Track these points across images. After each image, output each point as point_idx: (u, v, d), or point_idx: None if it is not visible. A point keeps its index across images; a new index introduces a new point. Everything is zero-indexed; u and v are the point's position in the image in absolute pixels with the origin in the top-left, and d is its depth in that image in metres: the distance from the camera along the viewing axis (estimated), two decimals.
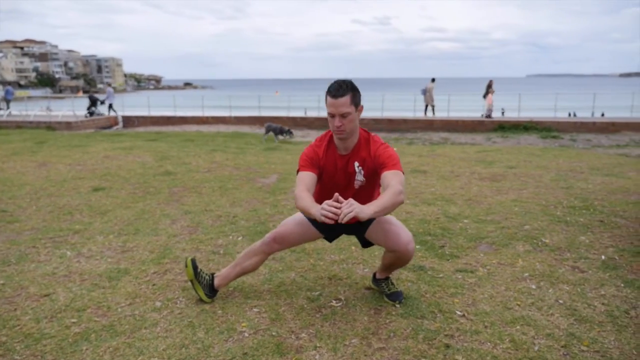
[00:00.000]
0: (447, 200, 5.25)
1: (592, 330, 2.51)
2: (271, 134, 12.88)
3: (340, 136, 2.51)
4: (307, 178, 2.52)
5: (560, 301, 2.83)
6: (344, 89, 2.43)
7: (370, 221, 2.71)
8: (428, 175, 6.81)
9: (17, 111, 20.87)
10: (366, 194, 2.66)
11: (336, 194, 2.27)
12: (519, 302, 2.82)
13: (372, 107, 20.79)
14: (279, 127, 12.97)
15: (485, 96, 17.51)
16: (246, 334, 2.50)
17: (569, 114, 18.77)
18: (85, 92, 76.61)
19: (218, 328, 2.56)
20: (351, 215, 2.14)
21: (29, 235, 4.15)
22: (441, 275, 3.22)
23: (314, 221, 2.72)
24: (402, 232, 2.67)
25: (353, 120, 2.48)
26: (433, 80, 18.47)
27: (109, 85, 22.83)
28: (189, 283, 3.00)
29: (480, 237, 4.01)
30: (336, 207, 2.19)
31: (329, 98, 2.45)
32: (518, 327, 2.54)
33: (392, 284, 2.92)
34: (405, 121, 16.98)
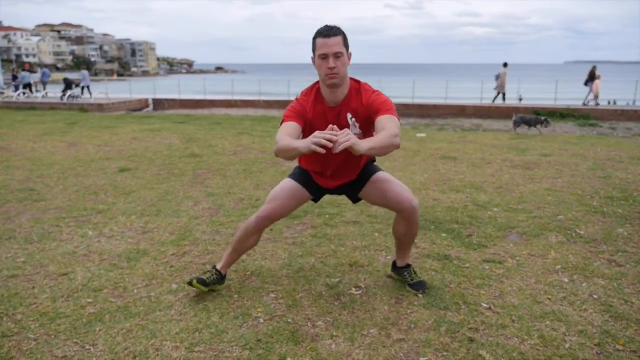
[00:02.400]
0: (476, 188, 5.07)
1: (629, 329, 2.35)
2: (523, 126, 10.79)
3: (333, 80, 2.32)
4: (290, 127, 2.33)
5: (595, 296, 2.67)
6: (335, 29, 2.31)
7: (364, 181, 2.61)
8: (458, 161, 6.61)
9: (53, 93, 21.33)
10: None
11: (330, 125, 2.12)
12: (549, 296, 2.67)
13: (403, 94, 20.43)
14: (534, 118, 10.68)
15: (587, 83, 16.65)
16: (261, 320, 2.43)
17: (609, 102, 17.99)
18: (119, 75, 78.23)
19: (233, 313, 2.50)
20: (347, 144, 1.99)
21: (53, 214, 4.18)
22: (467, 265, 3.08)
23: (303, 182, 2.63)
24: (403, 189, 2.56)
25: (345, 63, 2.33)
26: (505, 65, 17.34)
27: (84, 68, 23.51)
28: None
29: (510, 226, 3.83)
30: (331, 135, 2.02)
31: (320, 39, 2.30)
32: (548, 322, 2.40)
33: (415, 272, 2.81)
34: (435, 107, 16.59)
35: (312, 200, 2.75)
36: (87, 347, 2.20)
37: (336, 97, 2.41)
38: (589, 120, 13.57)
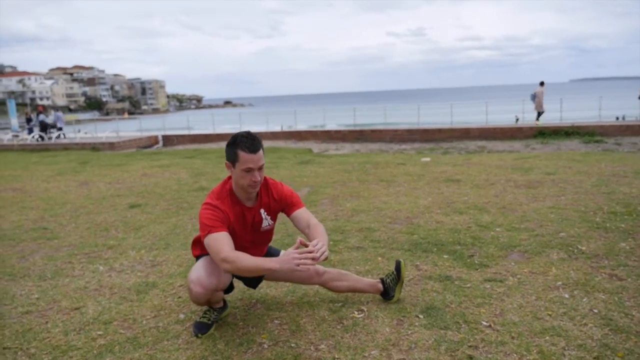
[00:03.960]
0: (479, 209, 5.12)
1: (629, 341, 2.38)
2: None
3: (255, 190, 2.46)
4: (226, 238, 2.33)
5: (595, 310, 2.71)
6: (258, 142, 2.37)
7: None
8: (461, 184, 6.67)
9: (66, 133, 21.98)
10: (269, 231, 2.70)
11: (300, 239, 2.32)
12: (550, 312, 2.71)
13: (408, 120, 20.66)
14: None
15: None
16: (265, 346, 2.50)
17: (617, 118, 17.94)
18: (130, 113, 79.94)
19: (238, 340, 2.57)
20: (326, 254, 2.25)
21: (66, 251, 4.31)
22: (468, 285, 3.13)
23: None
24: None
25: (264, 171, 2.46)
26: (542, 83, 17.07)
27: (57, 110, 24.59)
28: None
29: (512, 245, 3.88)
30: (309, 252, 2.22)
31: (245, 154, 2.33)
32: (548, 337, 2.44)
33: (388, 275, 2.96)
34: (440, 131, 16.72)
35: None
36: None
37: (252, 196, 2.53)
38: (594, 137, 13.59)
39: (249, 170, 2.36)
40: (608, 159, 8.63)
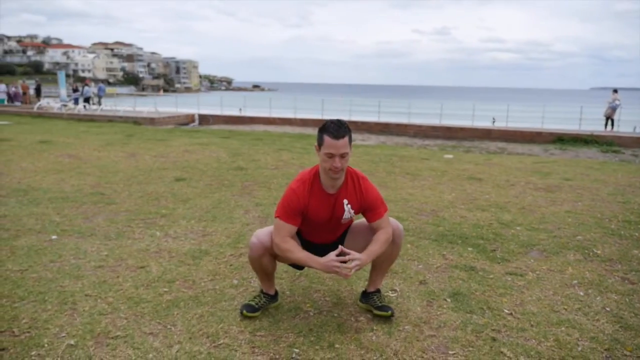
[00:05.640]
0: (500, 208, 5.38)
1: (637, 338, 2.62)
2: None
3: (336, 176, 2.54)
4: (288, 229, 2.58)
5: (607, 309, 2.94)
6: (344, 130, 2.47)
7: (344, 236, 2.85)
8: (483, 182, 6.91)
9: (108, 106, 23.03)
10: (349, 222, 2.77)
11: (341, 247, 2.52)
12: (565, 307, 2.97)
13: (431, 117, 20.80)
14: None
15: None
16: (311, 313, 2.82)
17: (634, 129, 17.77)
18: (165, 90, 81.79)
19: (287, 306, 2.90)
20: (353, 271, 2.47)
21: (124, 216, 4.71)
22: (491, 277, 3.42)
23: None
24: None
25: (348, 160, 2.53)
26: (615, 91, 16.89)
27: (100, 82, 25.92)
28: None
29: (531, 244, 4.14)
30: (343, 261, 2.45)
31: (328, 139, 2.45)
32: (563, 328, 2.70)
33: (383, 297, 2.91)
34: (462, 129, 16.88)
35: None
36: (169, 327, 2.64)
37: (335, 184, 2.61)
38: (612, 147, 13.67)
39: (330, 156, 2.47)
40: (625, 169, 8.78)
